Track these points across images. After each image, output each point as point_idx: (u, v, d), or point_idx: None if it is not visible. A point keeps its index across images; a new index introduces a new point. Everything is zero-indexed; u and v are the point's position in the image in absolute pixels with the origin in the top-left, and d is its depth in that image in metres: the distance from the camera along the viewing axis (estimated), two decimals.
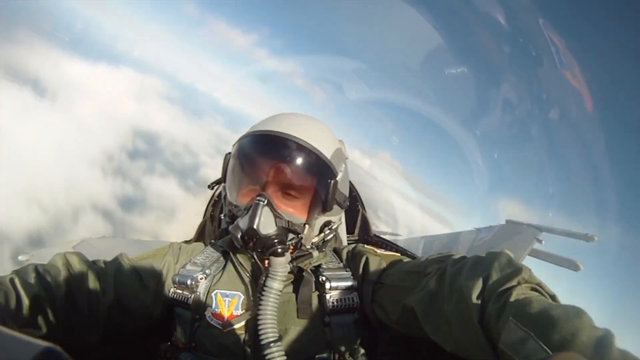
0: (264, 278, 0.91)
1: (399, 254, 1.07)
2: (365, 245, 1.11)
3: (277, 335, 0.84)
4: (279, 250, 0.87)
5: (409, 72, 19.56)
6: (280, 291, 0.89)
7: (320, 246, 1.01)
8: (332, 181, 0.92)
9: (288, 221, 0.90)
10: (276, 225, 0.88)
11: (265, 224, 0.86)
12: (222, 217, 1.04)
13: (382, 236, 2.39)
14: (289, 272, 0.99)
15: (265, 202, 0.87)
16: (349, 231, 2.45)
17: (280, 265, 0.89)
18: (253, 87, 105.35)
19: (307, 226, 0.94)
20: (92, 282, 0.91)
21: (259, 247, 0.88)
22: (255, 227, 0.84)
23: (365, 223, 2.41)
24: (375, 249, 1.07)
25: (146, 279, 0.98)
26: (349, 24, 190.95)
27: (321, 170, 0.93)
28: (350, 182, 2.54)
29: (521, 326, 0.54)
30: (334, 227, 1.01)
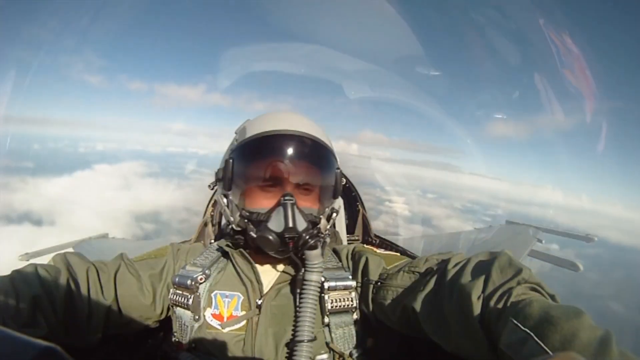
0: (301, 273, 0.92)
1: (399, 254, 1.07)
2: (365, 245, 1.11)
3: (312, 335, 0.85)
4: (313, 243, 0.89)
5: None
6: (320, 282, 0.91)
7: (330, 232, 1.06)
8: (339, 170, 1.00)
9: (312, 215, 0.94)
10: (305, 220, 0.91)
11: (299, 222, 0.89)
12: (233, 227, 0.98)
13: (382, 236, 2.39)
14: (286, 273, 0.99)
15: (293, 200, 0.90)
16: (350, 231, 2.46)
17: (317, 257, 0.91)
18: (222, 127, 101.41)
19: (322, 216, 0.98)
20: (92, 283, 0.91)
21: (298, 246, 0.89)
22: (292, 225, 0.87)
23: (366, 223, 2.42)
24: (375, 249, 1.07)
25: (146, 280, 0.98)
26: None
27: (331, 161, 0.99)
28: (350, 182, 2.55)
29: (521, 326, 0.54)
30: (337, 214, 1.05)
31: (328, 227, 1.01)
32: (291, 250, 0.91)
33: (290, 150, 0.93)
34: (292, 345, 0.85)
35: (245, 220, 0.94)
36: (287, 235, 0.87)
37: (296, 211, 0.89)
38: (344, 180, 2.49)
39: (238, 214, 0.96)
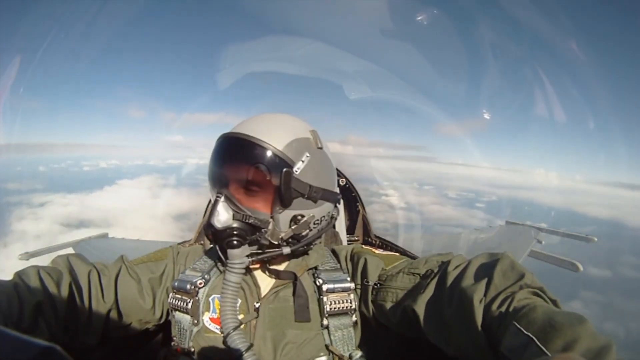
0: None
1: (399, 255, 1.06)
2: (364, 246, 1.11)
3: (237, 322, 0.86)
4: (234, 242, 0.87)
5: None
6: (239, 284, 0.90)
7: (292, 242, 0.95)
8: (285, 170, 0.87)
9: (246, 215, 0.88)
10: (234, 218, 0.87)
11: (220, 218, 0.86)
12: None
13: (382, 237, 2.39)
14: (286, 274, 0.98)
15: (222, 197, 0.87)
16: (350, 232, 2.46)
17: (235, 257, 0.88)
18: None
19: (272, 220, 0.90)
20: (94, 286, 0.92)
21: (218, 241, 0.89)
22: (211, 221, 0.86)
23: (366, 223, 2.41)
24: (374, 250, 1.06)
25: (146, 284, 0.99)
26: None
27: (269, 161, 0.87)
28: (350, 182, 2.55)
29: (524, 330, 0.54)
30: (302, 222, 0.92)
31: (282, 235, 0.92)
32: (213, 244, 0.94)
33: (224, 152, 0.93)
34: (224, 340, 0.86)
35: None
36: (205, 229, 0.90)
37: (221, 207, 0.87)
38: (344, 181, 2.49)
39: None
